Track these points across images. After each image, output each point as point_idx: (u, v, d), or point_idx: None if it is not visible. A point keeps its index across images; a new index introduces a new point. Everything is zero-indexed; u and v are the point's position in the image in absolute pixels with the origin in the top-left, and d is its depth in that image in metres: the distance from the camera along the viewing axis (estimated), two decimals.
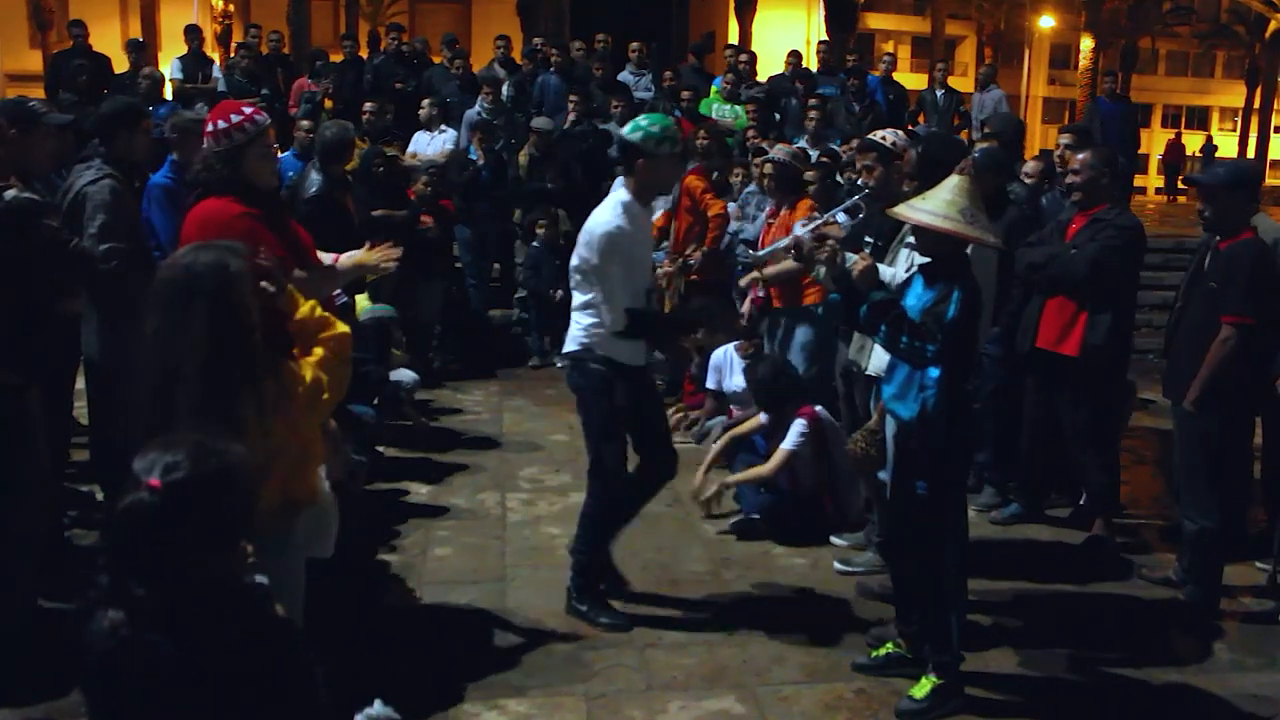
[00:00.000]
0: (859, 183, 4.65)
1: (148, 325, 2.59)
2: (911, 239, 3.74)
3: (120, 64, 10.92)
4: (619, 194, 4.14)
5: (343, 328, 2.83)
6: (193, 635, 1.79)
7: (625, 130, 4.17)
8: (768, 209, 6.36)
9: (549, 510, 5.42)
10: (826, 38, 15.95)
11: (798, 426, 5.10)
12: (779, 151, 6.20)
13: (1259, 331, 4.14)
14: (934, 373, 3.43)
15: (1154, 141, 35.98)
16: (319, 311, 2.82)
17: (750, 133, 9.14)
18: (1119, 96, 11.79)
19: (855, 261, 3.62)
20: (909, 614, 3.79)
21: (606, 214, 4.05)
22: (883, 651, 3.89)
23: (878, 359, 4.15)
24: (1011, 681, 3.87)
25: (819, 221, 4.41)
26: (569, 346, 4.17)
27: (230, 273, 2.61)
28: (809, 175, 6.18)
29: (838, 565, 4.72)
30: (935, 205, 3.40)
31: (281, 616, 1.99)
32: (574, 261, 4.13)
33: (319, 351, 2.75)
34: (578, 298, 4.14)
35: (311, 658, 1.98)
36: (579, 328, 4.11)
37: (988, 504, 5.46)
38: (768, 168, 6.25)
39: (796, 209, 5.78)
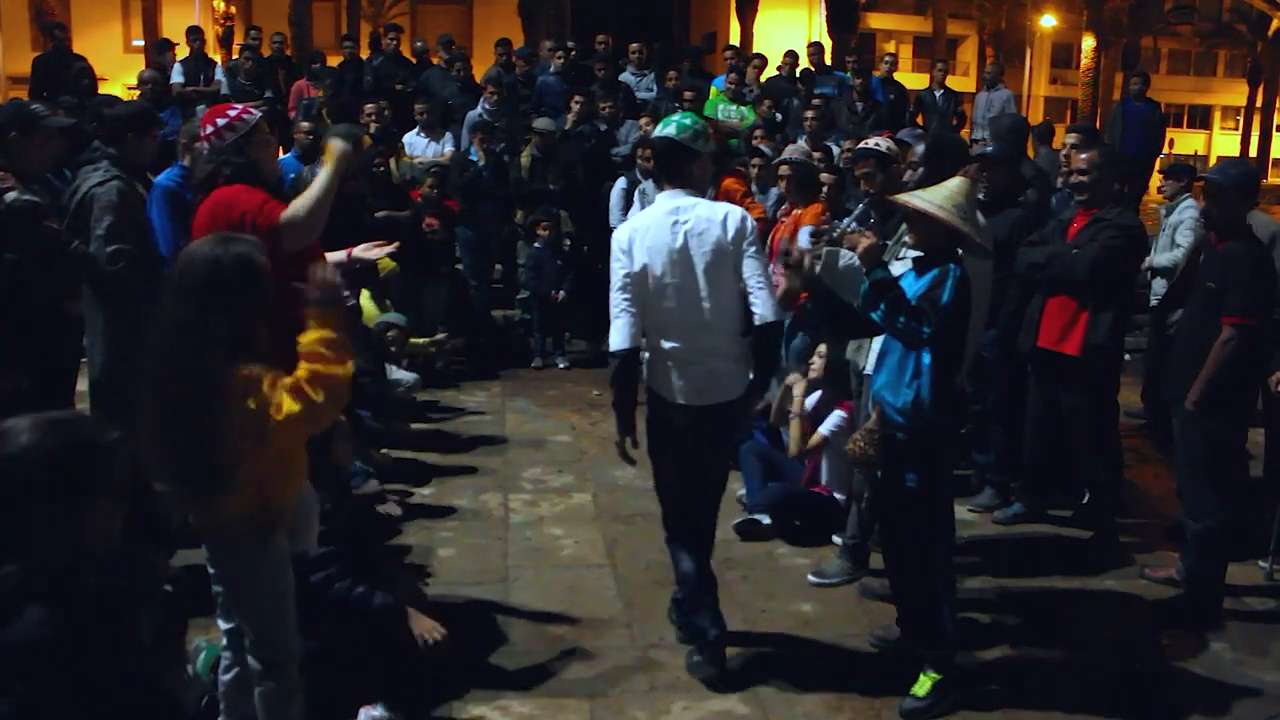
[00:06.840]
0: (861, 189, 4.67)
1: (164, 315, 2.55)
2: (908, 238, 3.76)
3: (119, 66, 10.91)
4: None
5: (339, 370, 2.58)
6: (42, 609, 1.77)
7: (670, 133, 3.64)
8: (784, 208, 6.18)
9: (551, 511, 5.43)
10: (829, 38, 15.94)
11: (835, 416, 5.03)
12: (795, 151, 6.12)
13: (1259, 332, 4.15)
14: (926, 359, 3.46)
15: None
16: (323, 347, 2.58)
17: (758, 133, 9.13)
18: (1146, 98, 11.74)
19: (860, 240, 3.61)
20: (909, 612, 3.80)
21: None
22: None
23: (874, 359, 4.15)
24: (1014, 680, 3.88)
25: (838, 231, 4.32)
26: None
27: (257, 266, 2.59)
28: (824, 177, 6.06)
29: (812, 578, 4.60)
30: (935, 196, 3.50)
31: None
32: None
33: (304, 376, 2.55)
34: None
35: (148, 659, 1.99)
36: None
37: (987, 505, 5.46)
38: (784, 168, 6.10)
39: (807, 211, 5.70)
